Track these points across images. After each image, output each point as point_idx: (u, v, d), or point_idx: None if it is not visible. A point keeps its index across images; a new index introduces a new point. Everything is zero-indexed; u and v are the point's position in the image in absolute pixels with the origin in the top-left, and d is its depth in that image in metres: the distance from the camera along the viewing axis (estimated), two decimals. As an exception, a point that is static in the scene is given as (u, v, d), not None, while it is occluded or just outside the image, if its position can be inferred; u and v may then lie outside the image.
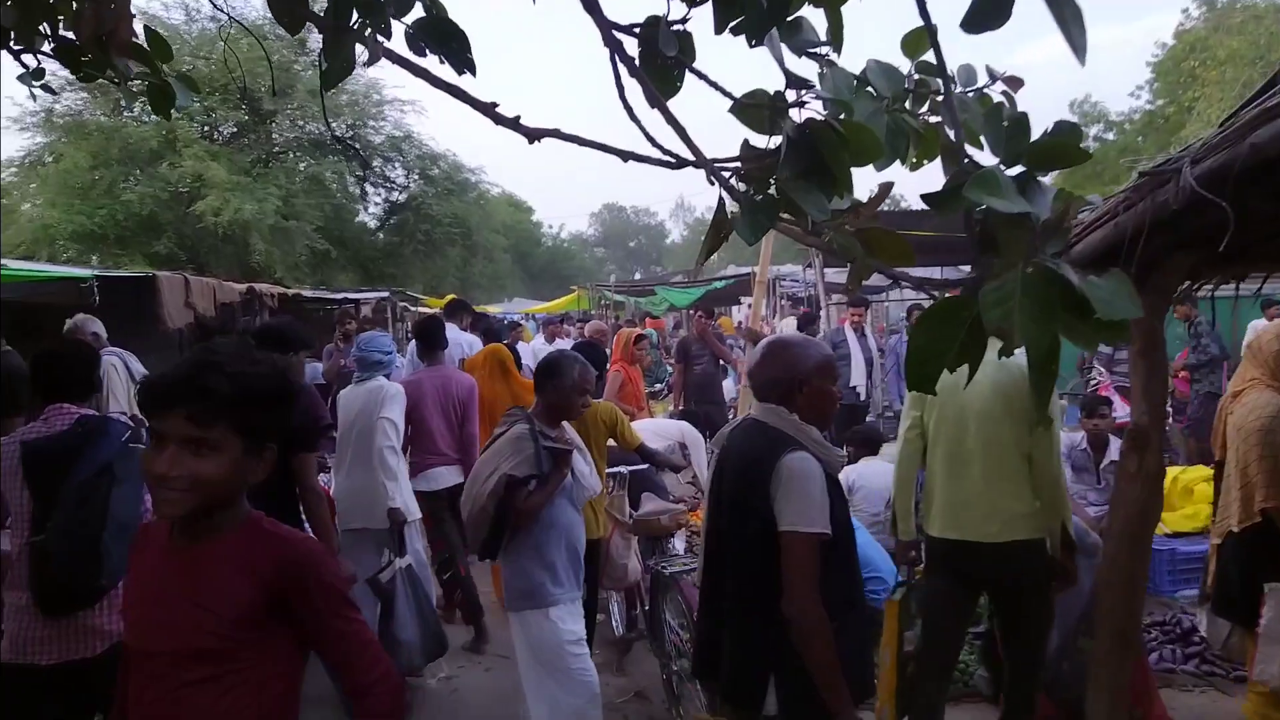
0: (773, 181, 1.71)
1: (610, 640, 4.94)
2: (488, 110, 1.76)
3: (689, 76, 1.86)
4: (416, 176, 20.75)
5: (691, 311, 26.49)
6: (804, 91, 1.69)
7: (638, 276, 54.30)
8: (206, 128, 18.24)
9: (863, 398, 8.35)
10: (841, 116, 1.59)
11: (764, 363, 2.45)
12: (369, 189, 21.30)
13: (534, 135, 1.77)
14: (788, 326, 19.25)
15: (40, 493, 2.37)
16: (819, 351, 2.47)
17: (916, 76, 1.72)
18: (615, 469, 4.62)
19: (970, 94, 1.70)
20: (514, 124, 1.76)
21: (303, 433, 3.47)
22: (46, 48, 2.72)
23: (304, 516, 3.58)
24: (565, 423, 3.48)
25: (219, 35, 18.22)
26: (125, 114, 17.83)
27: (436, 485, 4.85)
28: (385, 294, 16.32)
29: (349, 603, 1.64)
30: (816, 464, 2.26)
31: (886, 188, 1.80)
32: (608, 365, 8.49)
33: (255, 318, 10.35)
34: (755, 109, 1.76)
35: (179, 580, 1.54)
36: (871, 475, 5.16)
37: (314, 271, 18.85)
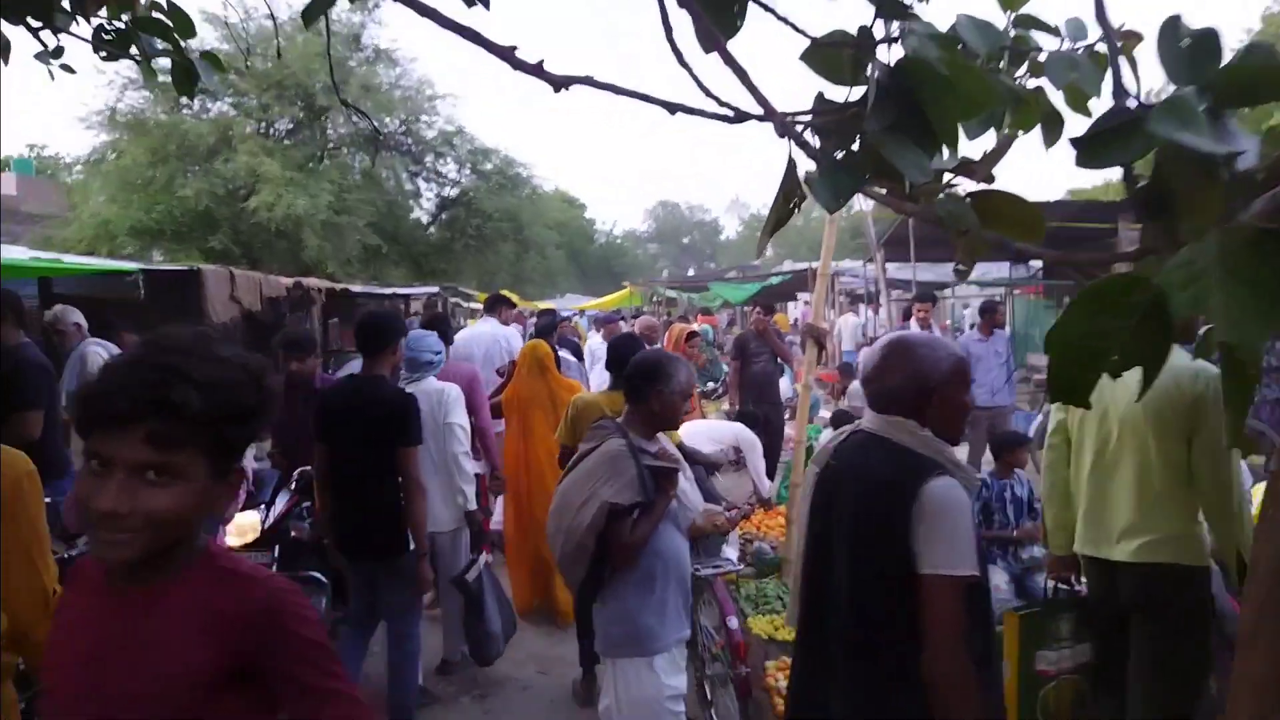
0: (858, 137, 1.39)
1: None
2: (506, 54, 1.45)
3: (752, 12, 1.53)
4: (468, 171, 20.67)
5: (748, 308, 26.09)
6: (899, 24, 1.34)
7: (690, 273, 53.88)
8: (262, 124, 18.38)
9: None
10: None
11: (885, 366, 2.09)
12: (421, 185, 21.32)
13: (560, 83, 1.46)
14: (846, 324, 18.61)
15: None
16: (951, 353, 2.10)
17: (1015, 33, 1.43)
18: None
19: (1080, 51, 1.39)
20: (537, 70, 1.44)
21: (405, 427, 3.50)
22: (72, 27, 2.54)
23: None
24: (660, 433, 3.05)
25: (273, 31, 18.40)
26: (184, 111, 18.07)
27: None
28: (435, 290, 16.27)
29: (331, 656, 1.32)
30: (963, 492, 1.92)
31: (1008, 140, 1.44)
32: (577, 368, 8.18)
33: (305, 312, 10.29)
34: (834, 52, 1.41)
35: (120, 637, 1.23)
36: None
37: (365, 267, 18.90)
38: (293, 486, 4.29)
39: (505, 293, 8.09)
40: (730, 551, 6.15)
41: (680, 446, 4.07)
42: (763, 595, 5.43)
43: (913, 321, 8.09)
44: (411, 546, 3.58)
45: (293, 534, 4.11)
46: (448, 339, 5.11)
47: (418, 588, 3.68)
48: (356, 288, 12.70)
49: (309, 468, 4.10)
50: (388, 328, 3.73)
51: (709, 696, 3.91)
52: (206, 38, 18.11)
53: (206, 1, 18.21)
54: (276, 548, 4.01)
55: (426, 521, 3.60)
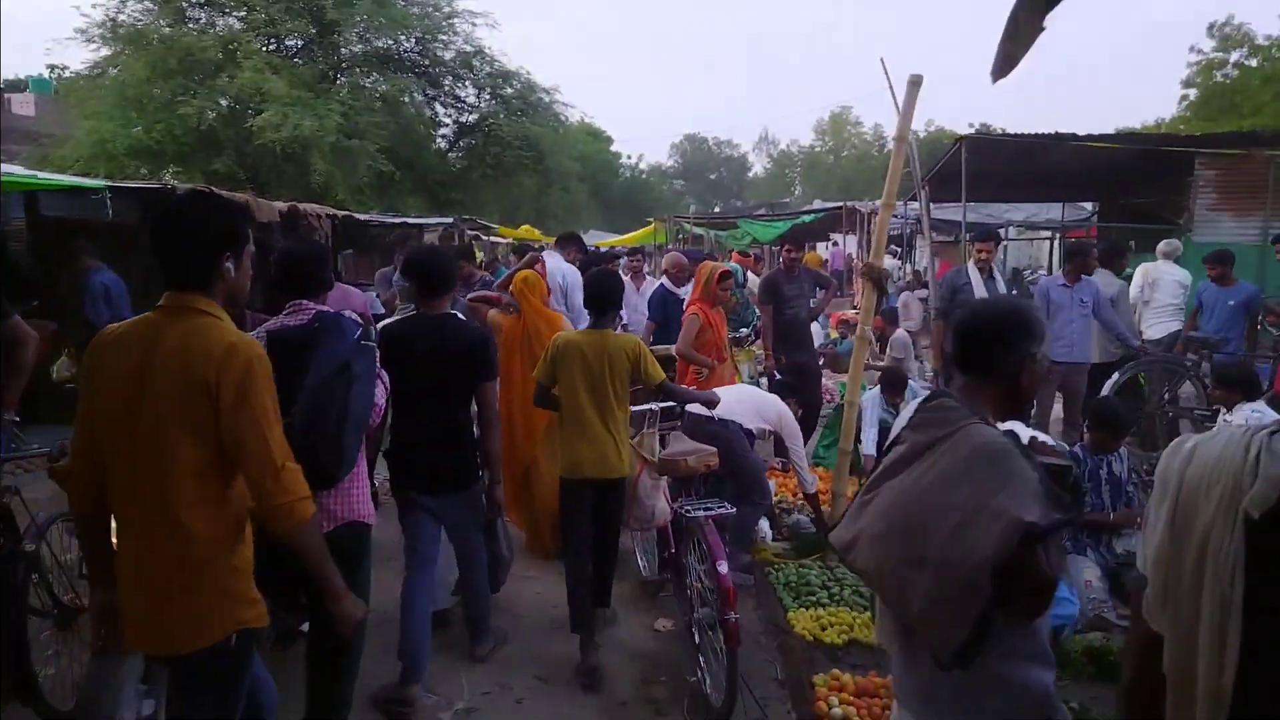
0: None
1: (639, 580, 4.94)
2: None
3: None
4: (488, 96, 19.49)
5: (776, 246, 24.91)
6: None
7: (717, 210, 52.36)
8: (270, 40, 17.30)
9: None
10: None
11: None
12: (440, 110, 20.18)
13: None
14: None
15: (280, 381, 2.17)
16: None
17: None
18: (644, 406, 4.40)
19: None
20: None
21: (486, 362, 3.66)
22: None
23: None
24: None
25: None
26: (189, 25, 17.04)
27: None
28: (450, 221, 15.39)
29: None
30: None
31: None
32: (683, 305, 7.32)
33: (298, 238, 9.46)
34: None
35: None
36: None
37: (379, 195, 17.97)
38: None
39: (528, 229, 7.29)
40: (765, 527, 5.40)
41: (663, 386, 4.08)
42: (804, 582, 4.63)
43: (970, 264, 7.11)
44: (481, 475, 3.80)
45: None
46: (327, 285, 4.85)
47: (492, 512, 3.90)
48: (362, 216, 11.82)
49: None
50: (451, 268, 3.79)
51: (696, 640, 3.86)
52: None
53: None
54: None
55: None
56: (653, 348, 6.99)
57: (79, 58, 15.76)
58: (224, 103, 16.01)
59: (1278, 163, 10.88)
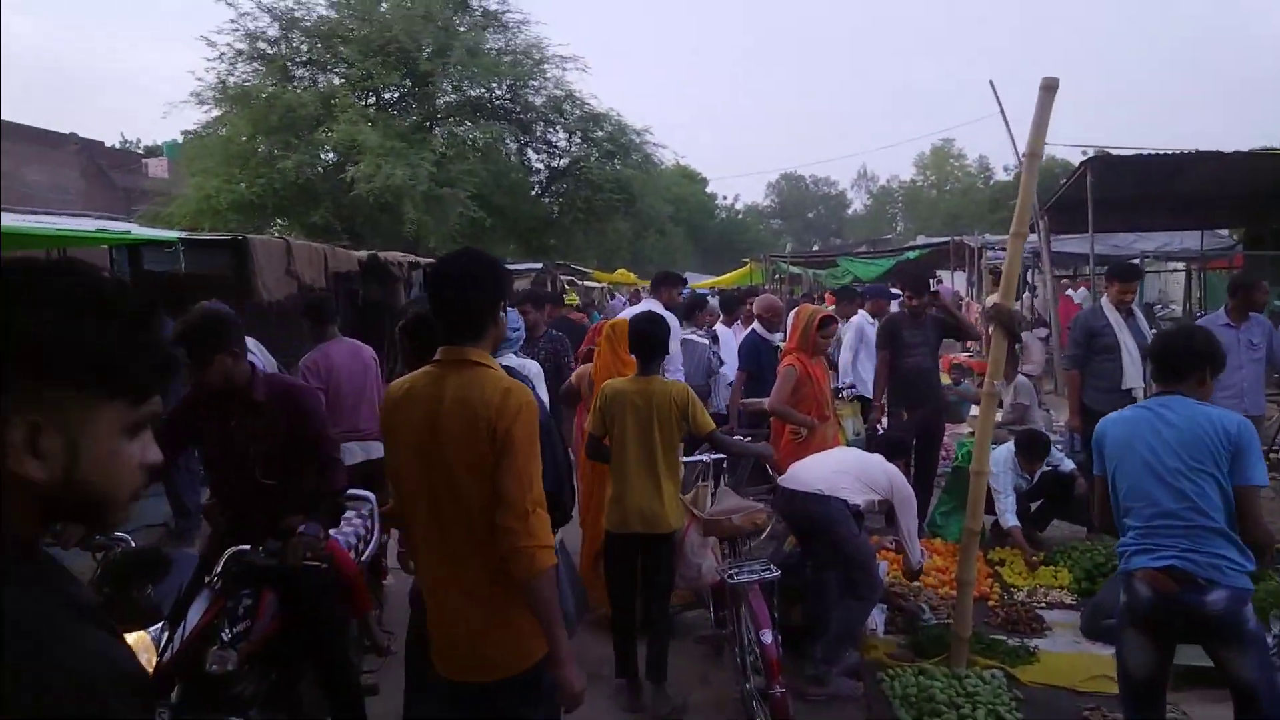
0: None
1: (703, 636, 4.64)
2: None
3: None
4: (579, 140, 19.37)
5: (892, 286, 23.75)
6: None
7: (815, 248, 51.32)
8: (368, 94, 17.68)
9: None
10: None
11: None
12: (531, 155, 20.19)
13: None
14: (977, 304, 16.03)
15: None
16: None
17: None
18: (695, 457, 4.33)
19: None
20: None
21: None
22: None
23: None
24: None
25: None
26: (292, 84, 17.61)
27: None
28: (539, 266, 15.18)
29: None
30: None
31: None
32: (777, 354, 6.60)
33: (386, 288, 9.24)
34: None
35: None
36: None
37: (472, 242, 17.96)
38: (216, 580, 2.73)
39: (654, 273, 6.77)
40: (876, 616, 4.59)
41: (712, 436, 4.00)
42: (926, 697, 3.78)
43: (1105, 302, 6.16)
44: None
45: (212, 667, 2.53)
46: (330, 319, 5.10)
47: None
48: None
49: (245, 547, 2.77)
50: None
51: (748, 711, 3.65)
52: (312, 3, 17.57)
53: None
54: (177, 691, 2.55)
55: None
56: (745, 401, 6.36)
57: (194, 119, 16.51)
58: (323, 156, 16.35)
59: None
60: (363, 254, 8.47)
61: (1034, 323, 14.24)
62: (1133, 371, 5.94)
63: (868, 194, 73.92)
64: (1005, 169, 61.95)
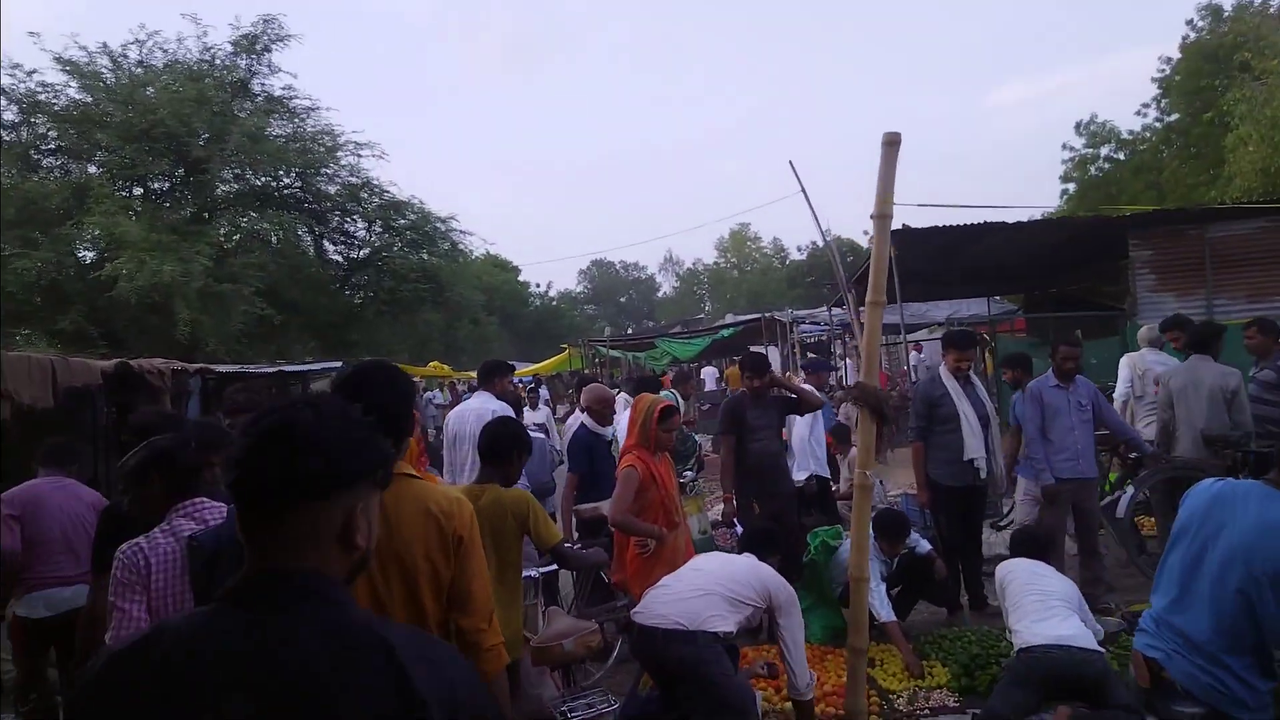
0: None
1: None
2: None
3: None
4: (379, 229, 18.22)
5: (713, 364, 23.83)
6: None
7: (629, 332, 51.97)
8: (131, 183, 15.80)
9: (983, 475, 5.74)
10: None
11: None
12: (328, 245, 18.77)
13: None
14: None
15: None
16: None
17: None
18: (526, 572, 3.88)
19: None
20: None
21: None
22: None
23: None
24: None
25: (145, 79, 15.98)
26: (37, 174, 15.44)
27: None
28: (338, 365, 13.73)
29: None
30: None
31: None
32: (610, 449, 5.90)
33: (134, 400, 7.71)
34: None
35: None
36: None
37: (261, 342, 16.23)
38: None
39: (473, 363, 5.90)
40: None
41: (555, 550, 3.57)
42: None
43: (943, 371, 5.97)
44: None
45: None
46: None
47: None
48: (223, 368, 10.11)
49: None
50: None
51: None
52: (60, 86, 15.64)
53: (64, 49, 15.81)
54: None
55: None
56: (579, 508, 5.58)
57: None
58: (77, 254, 14.29)
59: (1210, 240, 10.49)
60: (107, 364, 7.01)
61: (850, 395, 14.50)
62: (973, 442, 5.71)
63: (675, 277, 76.57)
64: (799, 248, 66.47)
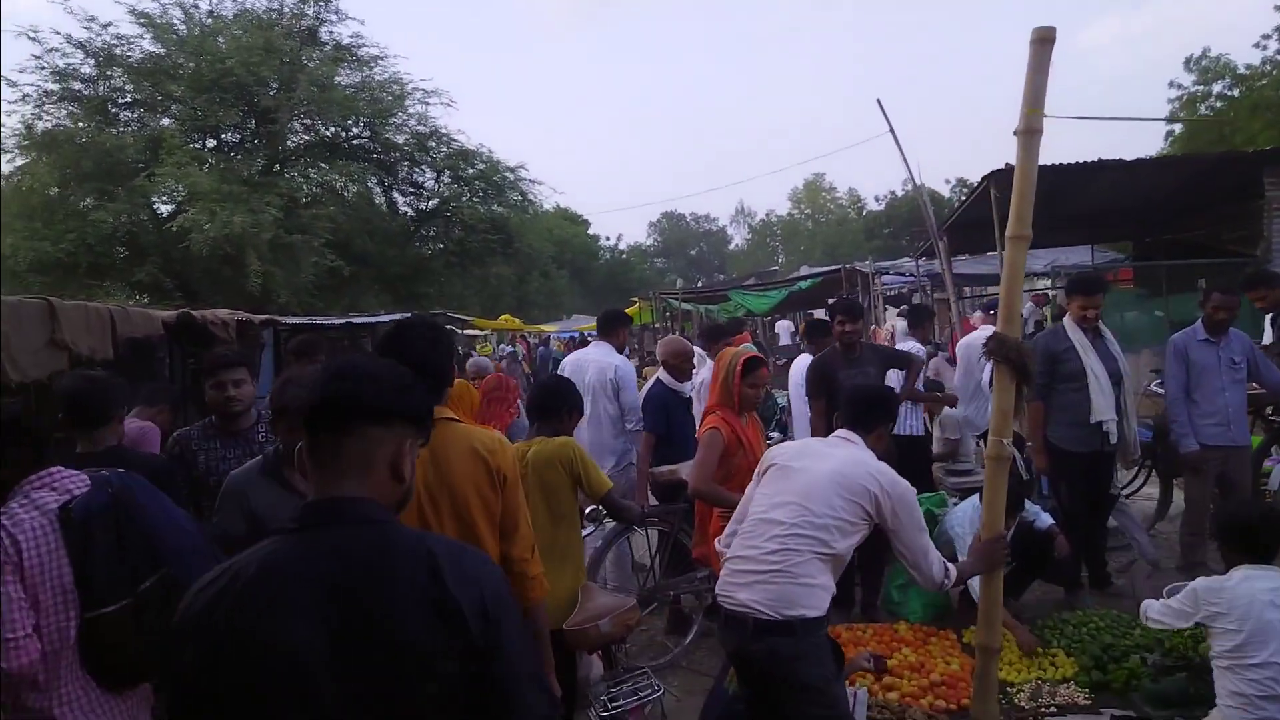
0: None
1: None
2: None
3: None
4: (448, 179, 17.89)
5: (788, 318, 22.89)
6: None
7: (699, 285, 51.18)
8: (204, 135, 15.77)
9: (1113, 440, 5.03)
10: None
11: None
12: (397, 197, 18.56)
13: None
14: (895, 333, 15.33)
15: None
16: None
17: None
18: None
19: None
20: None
21: None
22: None
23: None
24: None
25: (216, 29, 15.84)
26: (117, 128, 15.51)
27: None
28: (408, 316, 13.52)
29: None
30: None
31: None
32: (689, 408, 5.39)
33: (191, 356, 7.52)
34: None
35: None
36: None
37: (334, 295, 16.18)
38: None
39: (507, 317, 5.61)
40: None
41: (608, 499, 3.51)
42: None
43: (1068, 322, 5.25)
44: None
45: None
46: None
47: None
48: (291, 319, 9.93)
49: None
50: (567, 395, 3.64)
51: None
52: (134, 38, 15.62)
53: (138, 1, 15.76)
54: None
55: None
56: (656, 470, 5.11)
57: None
58: (153, 206, 14.35)
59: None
60: (169, 313, 6.79)
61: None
62: (1102, 402, 5.00)
63: (748, 229, 75.07)
64: (876, 198, 64.19)
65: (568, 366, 5.52)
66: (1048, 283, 18.13)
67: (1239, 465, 5.07)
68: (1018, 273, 3.01)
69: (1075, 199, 11.19)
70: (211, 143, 16.36)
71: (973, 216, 12.60)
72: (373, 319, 12.07)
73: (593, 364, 5.35)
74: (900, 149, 12.64)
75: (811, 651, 2.72)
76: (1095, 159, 9.71)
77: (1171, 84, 28.90)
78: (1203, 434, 4.96)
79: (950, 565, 2.91)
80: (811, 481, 2.80)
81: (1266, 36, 26.18)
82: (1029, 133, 2.94)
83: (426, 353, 2.22)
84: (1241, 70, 27.02)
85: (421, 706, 1.20)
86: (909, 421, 6.15)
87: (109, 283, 13.50)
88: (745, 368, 3.92)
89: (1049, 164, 9.72)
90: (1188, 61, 28.14)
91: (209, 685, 1.19)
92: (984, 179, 9.95)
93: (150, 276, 13.36)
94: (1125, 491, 6.25)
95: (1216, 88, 27.81)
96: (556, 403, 3.51)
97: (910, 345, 6.73)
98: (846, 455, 2.89)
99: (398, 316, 14.49)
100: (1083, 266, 16.73)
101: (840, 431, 3.07)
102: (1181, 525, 5.22)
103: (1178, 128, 28.76)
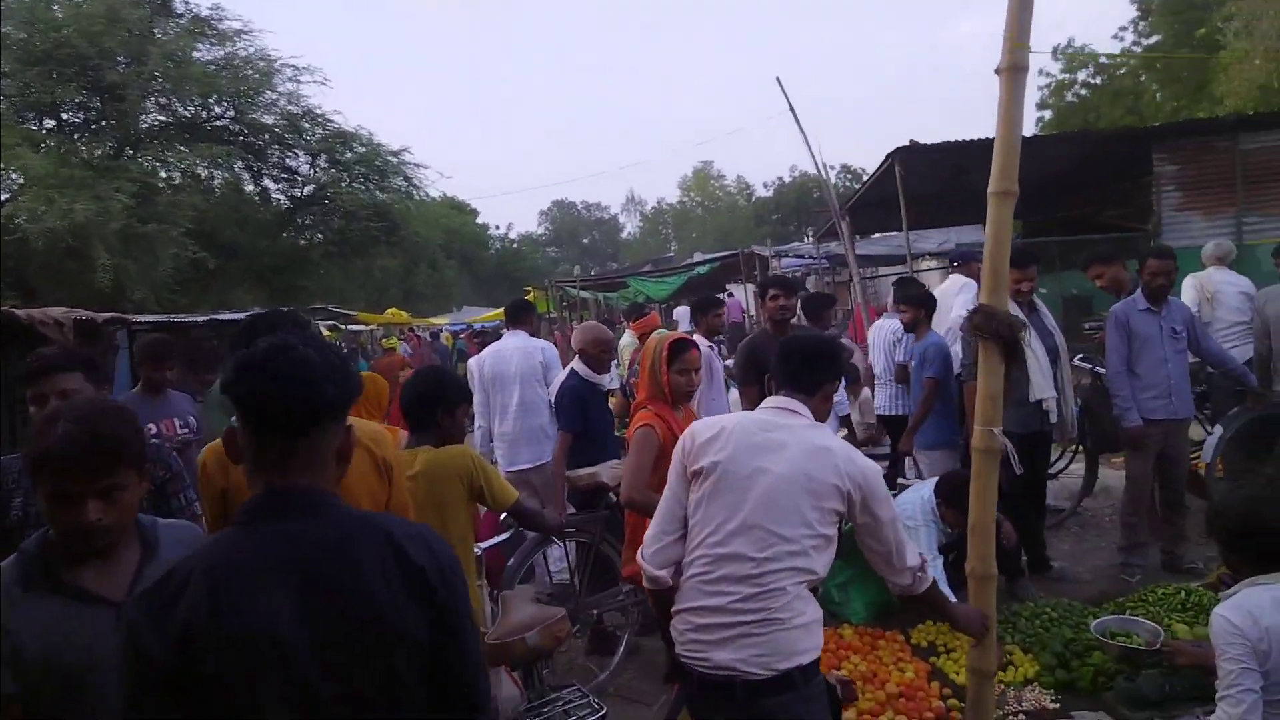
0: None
1: None
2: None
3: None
4: (324, 163, 16.63)
5: (685, 303, 22.57)
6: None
7: (593, 273, 50.64)
8: (40, 115, 14.08)
9: (1052, 419, 4.77)
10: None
11: None
12: (269, 183, 17.15)
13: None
14: None
15: None
16: None
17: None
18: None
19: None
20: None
21: None
22: None
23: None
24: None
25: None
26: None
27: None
28: (281, 312, 12.42)
29: None
30: None
31: None
32: (607, 401, 4.85)
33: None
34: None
35: None
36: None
37: (197, 290, 14.76)
38: None
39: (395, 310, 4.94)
40: None
41: (516, 507, 3.17)
42: None
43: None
44: None
45: None
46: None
47: None
48: (146, 318, 8.77)
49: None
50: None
51: None
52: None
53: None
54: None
55: None
56: (575, 473, 4.54)
57: None
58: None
59: (1243, 151, 9.59)
60: (-12, 311, 5.73)
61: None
62: (1041, 380, 4.74)
63: (640, 217, 74.94)
64: (765, 184, 65.09)
65: (489, 359, 5.44)
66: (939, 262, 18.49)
67: (1179, 439, 4.91)
68: (1005, 233, 2.58)
69: (974, 177, 11.22)
70: (51, 123, 14.65)
71: (873, 196, 12.51)
72: (241, 315, 10.94)
73: (515, 351, 5.31)
74: (801, 127, 12.43)
75: (816, 698, 2.21)
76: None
77: (1041, 71, 30.22)
78: (1144, 408, 4.76)
79: (925, 560, 2.46)
80: (771, 493, 2.22)
81: (1123, 28, 27.68)
82: (1014, 70, 2.51)
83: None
84: (1103, 60, 28.52)
85: (398, 674, 1.26)
86: (899, 401, 5.89)
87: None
88: (671, 352, 3.38)
89: (959, 140, 9.64)
90: (1054, 50, 29.51)
91: (184, 681, 1.19)
92: (889, 155, 9.77)
93: (-27, 272, 11.76)
94: (1053, 470, 6.08)
95: (1081, 75, 29.27)
96: (429, 405, 3.07)
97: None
98: (801, 444, 2.28)
99: (265, 311, 13.37)
100: (973, 246, 17.06)
101: (778, 400, 2.45)
102: (1123, 505, 5.02)
103: (1047, 114, 30.10)
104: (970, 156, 9.85)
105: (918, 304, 5.39)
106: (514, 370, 5.22)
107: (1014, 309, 4.78)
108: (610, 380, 4.80)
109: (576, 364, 4.64)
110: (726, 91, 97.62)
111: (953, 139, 9.91)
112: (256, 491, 1.30)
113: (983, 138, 9.73)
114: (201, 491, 2.42)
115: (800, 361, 2.47)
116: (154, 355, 4.47)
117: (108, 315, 7.33)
